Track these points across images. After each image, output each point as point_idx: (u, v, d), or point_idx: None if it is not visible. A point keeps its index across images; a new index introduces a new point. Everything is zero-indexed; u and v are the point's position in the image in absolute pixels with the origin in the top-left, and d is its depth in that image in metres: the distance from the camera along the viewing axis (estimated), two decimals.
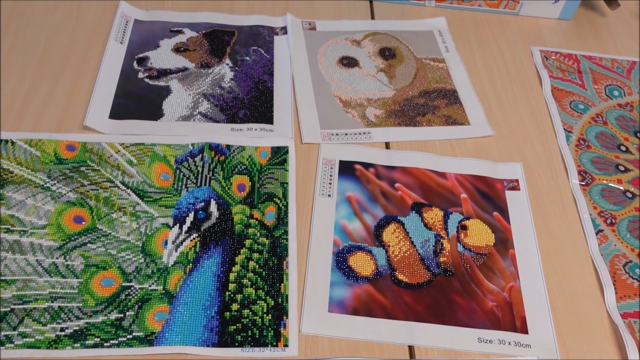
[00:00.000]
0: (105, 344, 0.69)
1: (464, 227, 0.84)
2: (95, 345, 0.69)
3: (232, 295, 0.74)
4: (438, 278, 0.79)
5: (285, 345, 0.71)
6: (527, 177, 0.92)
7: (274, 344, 0.71)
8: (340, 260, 0.79)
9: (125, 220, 0.80)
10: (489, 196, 0.88)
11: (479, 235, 0.83)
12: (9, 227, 0.77)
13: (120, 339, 0.69)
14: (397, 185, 0.88)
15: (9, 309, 0.70)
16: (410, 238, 0.82)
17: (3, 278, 0.73)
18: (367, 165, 0.90)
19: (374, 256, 0.80)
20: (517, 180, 0.91)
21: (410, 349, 0.72)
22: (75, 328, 0.70)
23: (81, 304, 0.72)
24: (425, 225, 0.84)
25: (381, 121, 0.97)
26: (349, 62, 1.07)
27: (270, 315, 0.73)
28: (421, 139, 0.95)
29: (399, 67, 1.07)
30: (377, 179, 0.89)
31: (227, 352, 0.70)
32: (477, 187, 0.89)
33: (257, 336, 0.71)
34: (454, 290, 0.78)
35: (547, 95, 1.05)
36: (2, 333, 0.68)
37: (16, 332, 0.69)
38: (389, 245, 0.82)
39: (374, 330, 0.73)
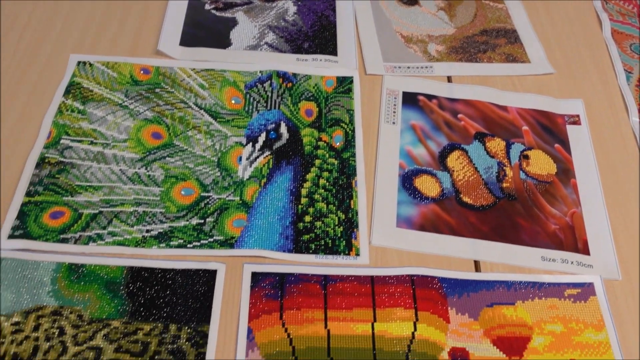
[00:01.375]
0: (188, 245, 0.73)
1: (526, 157, 0.86)
2: (179, 246, 0.73)
3: (304, 209, 0.77)
4: (501, 202, 0.81)
5: (357, 255, 0.74)
6: (588, 113, 0.93)
7: (346, 252, 0.74)
8: (407, 181, 0.82)
9: (200, 138, 0.83)
10: (550, 129, 0.90)
11: (541, 164, 0.85)
12: (92, 139, 0.81)
13: (202, 242, 0.73)
14: (460, 116, 0.90)
15: (97, 211, 0.75)
16: (474, 164, 0.85)
17: (90, 184, 0.77)
18: (430, 97, 0.92)
19: (438, 179, 0.83)
20: (577, 116, 0.92)
21: (476, 263, 0.75)
22: (160, 230, 0.74)
23: (164, 210, 0.76)
24: (488, 153, 0.86)
25: (443, 56, 0.99)
26: (408, 0, 1.08)
27: (341, 227, 0.76)
28: (483, 74, 0.97)
29: (459, 6, 1.08)
30: (440, 110, 0.91)
31: (302, 258, 0.73)
32: (538, 120, 0.91)
33: (329, 245, 0.74)
34: (517, 213, 0.80)
35: (607, 37, 1.05)
36: (93, 232, 0.73)
37: (106, 231, 0.73)
38: (453, 170, 0.84)
39: (441, 245, 0.76)
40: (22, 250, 0.71)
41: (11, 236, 0.71)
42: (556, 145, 0.88)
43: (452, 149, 0.86)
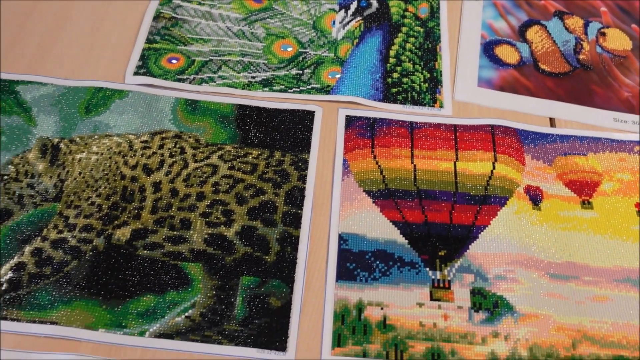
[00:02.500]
0: (289, 90, 0.81)
1: (603, 34, 0.90)
2: (281, 91, 0.81)
3: (392, 67, 0.84)
4: (577, 71, 0.86)
5: (441, 107, 0.81)
6: None
7: (431, 105, 0.81)
8: (488, 49, 0.88)
9: (296, 4, 0.90)
10: (628, 11, 0.93)
11: (617, 40, 0.89)
12: (200, 0, 0.89)
13: (301, 88, 0.81)
14: None
15: (208, 59, 0.84)
16: (552, 38, 0.89)
17: (200, 37, 0.86)
18: None
19: (518, 49, 0.88)
20: None
21: (551, 121, 0.81)
22: (263, 77, 0.82)
23: (266, 61, 0.84)
24: (567, 29, 0.90)
25: None
26: None
27: (426, 84, 0.83)
28: None
29: None
30: None
31: (391, 107, 0.81)
32: (617, 3, 0.94)
33: (415, 98, 0.82)
34: (592, 81, 0.85)
35: None
36: (205, 75, 0.82)
37: (216, 75, 0.82)
38: (532, 42, 0.89)
39: (519, 104, 0.82)
40: (145, 85, 0.80)
41: (136, 73, 0.81)
42: (633, 25, 0.91)
43: (531, 24, 0.91)
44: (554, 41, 0.89)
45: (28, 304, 0.63)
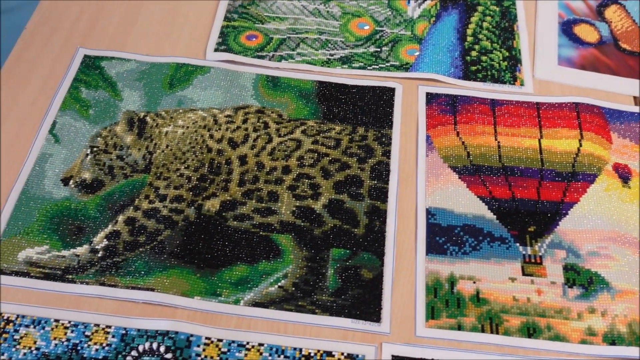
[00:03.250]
0: (368, 68, 0.81)
1: None
2: (359, 68, 0.81)
3: (470, 45, 0.84)
4: None
5: (522, 85, 0.80)
6: None
7: (512, 82, 0.80)
8: (566, 28, 0.86)
9: None
10: None
11: None
12: None
13: (380, 65, 0.81)
14: None
15: (286, 36, 0.84)
16: (632, 17, 0.88)
17: (277, 15, 0.86)
18: None
19: (597, 28, 0.87)
20: None
21: (635, 99, 0.80)
22: (341, 55, 0.82)
23: (344, 39, 0.84)
24: None
25: None
26: None
27: (505, 62, 0.82)
28: None
29: None
30: None
31: (471, 84, 0.80)
32: None
33: (495, 76, 0.81)
34: None
35: None
36: (284, 52, 0.82)
37: (295, 52, 0.82)
38: (611, 21, 0.87)
39: (601, 82, 0.81)
40: (226, 61, 0.81)
41: (216, 50, 0.82)
42: None
43: (609, 3, 0.89)
44: (634, 20, 0.87)
45: (125, 271, 0.64)
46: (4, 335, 0.60)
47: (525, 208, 0.70)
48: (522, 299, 0.64)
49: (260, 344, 0.61)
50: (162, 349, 0.59)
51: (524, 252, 0.67)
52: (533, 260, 0.66)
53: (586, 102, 0.78)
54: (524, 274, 0.66)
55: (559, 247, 0.67)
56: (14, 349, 0.60)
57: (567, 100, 0.78)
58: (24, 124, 0.75)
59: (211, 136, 0.74)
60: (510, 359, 0.60)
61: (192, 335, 0.60)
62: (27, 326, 0.61)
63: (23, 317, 0.62)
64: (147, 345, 0.60)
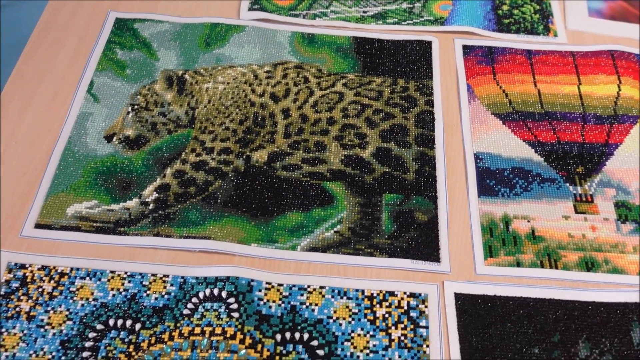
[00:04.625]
0: (402, 23, 0.81)
1: None
2: (394, 23, 0.81)
3: (501, 0, 0.84)
4: None
5: (555, 36, 0.81)
6: None
7: (545, 34, 0.81)
8: None
9: None
10: None
11: None
12: None
13: (414, 20, 0.81)
14: None
15: None
16: None
17: None
18: None
19: None
20: None
21: None
22: (375, 11, 0.82)
23: None
24: None
25: None
26: None
27: (537, 15, 0.83)
28: None
29: None
30: None
31: (506, 36, 0.80)
32: None
33: (529, 28, 0.81)
34: None
35: None
36: (318, 10, 0.82)
37: (329, 10, 0.82)
38: None
39: (633, 31, 0.82)
40: (261, 20, 0.81)
41: (250, 9, 0.81)
42: None
43: None
44: None
45: (179, 221, 0.63)
46: (59, 288, 0.59)
47: (571, 150, 0.70)
48: (578, 236, 0.64)
49: (322, 287, 0.60)
50: (223, 294, 0.58)
51: (574, 192, 0.67)
52: (584, 199, 0.67)
53: (621, 49, 0.79)
54: (576, 212, 0.66)
55: (608, 185, 0.68)
56: (71, 301, 0.58)
57: (602, 48, 0.79)
58: (61, 85, 0.74)
59: (253, 91, 0.73)
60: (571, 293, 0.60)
61: (252, 281, 0.60)
62: (82, 278, 0.60)
63: (77, 269, 0.60)
64: (207, 292, 0.59)
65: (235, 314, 0.57)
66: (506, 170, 0.69)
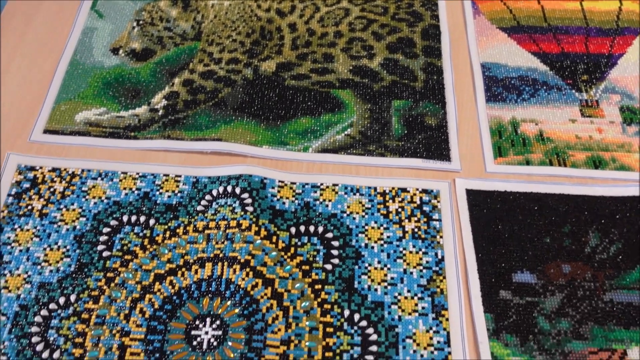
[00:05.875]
0: None
1: None
2: None
3: None
4: None
5: None
6: None
7: None
8: None
9: None
10: None
11: None
12: None
13: None
14: None
15: None
16: None
17: None
18: None
19: None
20: None
21: None
22: None
23: None
24: None
25: None
26: None
27: None
28: None
29: None
30: None
31: None
32: None
33: None
34: None
35: None
36: None
37: None
38: None
39: None
40: None
41: None
42: None
43: None
44: None
45: (189, 125, 0.63)
46: (71, 188, 0.59)
47: (576, 60, 0.71)
48: (585, 137, 0.65)
49: (334, 184, 0.60)
50: (237, 190, 0.58)
51: (580, 98, 0.68)
52: (590, 104, 0.68)
53: None
54: (583, 116, 0.67)
55: (613, 92, 0.68)
56: (83, 200, 0.58)
57: None
58: (64, 2, 0.73)
59: (259, 6, 0.73)
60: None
61: (265, 178, 0.60)
62: (94, 179, 0.60)
63: (89, 171, 0.60)
64: (220, 189, 0.59)
65: (250, 208, 0.57)
66: (513, 79, 0.69)
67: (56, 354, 0.49)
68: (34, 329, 0.50)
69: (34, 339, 0.50)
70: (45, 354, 0.49)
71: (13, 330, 0.50)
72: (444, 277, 0.55)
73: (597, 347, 0.52)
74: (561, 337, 0.52)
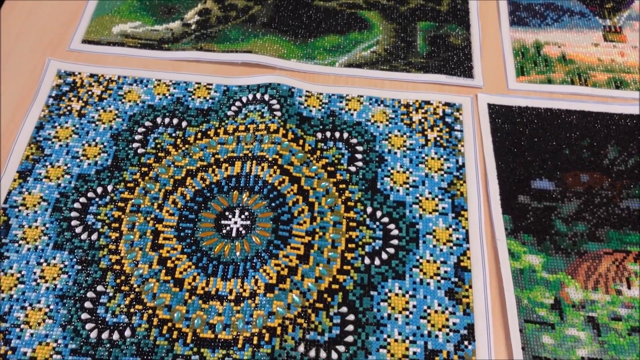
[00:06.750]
0: None
1: None
2: None
3: None
4: None
5: None
6: None
7: None
8: None
9: None
10: None
11: None
12: None
13: None
14: None
15: None
16: None
17: None
18: None
19: None
20: None
21: None
22: None
23: None
24: None
25: None
26: None
27: None
28: None
29: None
30: None
31: None
32: None
33: None
34: None
35: None
36: None
37: None
38: None
39: None
40: None
41: None
42: None
43: None
44: None
45: (221, 38, 0.65)
46: (108, 92, 0.61)
47: None
48: (607, 60, 0.66)
49: (360, 96, 0.62)
50: (266, 97, 0.61)
51: (603, 24, 0.69)
52: (613, 30, 0.68)
53: None
54: (605, 40, 0.68)
55: (637, 19, 0.69)
56: (120, 103, 0.61)
57: None
58: None
59: None
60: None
61: (293, 87, 0.62)
62: (129, 84, 0.62)
63: (125, 77, 0.63)
64: (250, 96, 0.61)
65: (278, 113, 0.59)
66: (537, 5, 0.70)
67: (94, 236, 0.52)
68: (74, 213, 0.53)
69: (74, 222, 0.53)
70: (84, 236, 0.52)
71: (54, 214, 0.53)
72: (464, 182, 0.57)
73: (612, 249, 0.53)
74: (577, 238, 0.54)
